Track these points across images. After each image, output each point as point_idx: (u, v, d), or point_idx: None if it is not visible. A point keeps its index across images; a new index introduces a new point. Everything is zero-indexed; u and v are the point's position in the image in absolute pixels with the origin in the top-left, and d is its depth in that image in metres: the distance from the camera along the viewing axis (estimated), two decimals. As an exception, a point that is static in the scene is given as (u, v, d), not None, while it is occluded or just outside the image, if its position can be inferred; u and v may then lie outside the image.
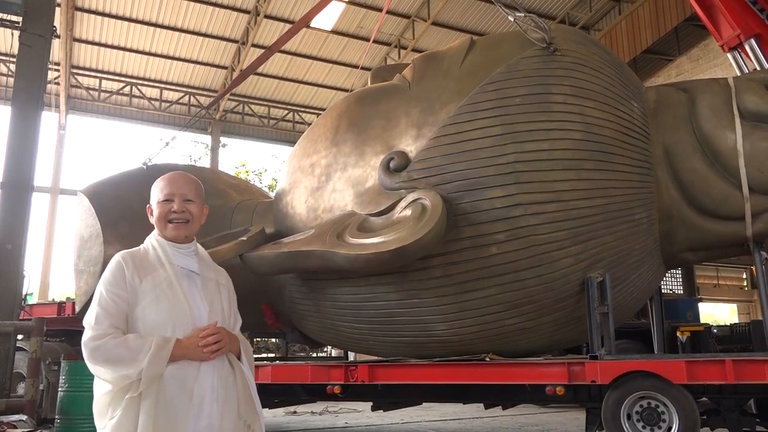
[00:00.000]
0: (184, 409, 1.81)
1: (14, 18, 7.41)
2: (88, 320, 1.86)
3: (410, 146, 4.76)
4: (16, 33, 7.30)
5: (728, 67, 7.97)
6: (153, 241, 2.04)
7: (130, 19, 16.79)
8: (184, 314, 1.91)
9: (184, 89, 19.82)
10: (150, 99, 19.68)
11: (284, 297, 5.63)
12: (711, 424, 4.67)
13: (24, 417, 5.59)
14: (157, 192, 2.04)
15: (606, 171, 4.49)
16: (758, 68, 6.81)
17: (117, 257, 1.97)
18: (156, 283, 1.92)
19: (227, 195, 6.37)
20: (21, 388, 7.16)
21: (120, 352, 1.80)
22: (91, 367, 1.84)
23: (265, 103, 21.09)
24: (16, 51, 7.29)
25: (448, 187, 4.50)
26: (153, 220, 2.05)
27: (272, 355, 13.14)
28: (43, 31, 7.32)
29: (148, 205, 2.07)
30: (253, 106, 21.11)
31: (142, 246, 2.05)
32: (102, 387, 1.87)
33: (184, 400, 1.81)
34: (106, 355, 1.80)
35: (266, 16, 16.67)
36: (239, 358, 1.99)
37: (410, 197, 4.51)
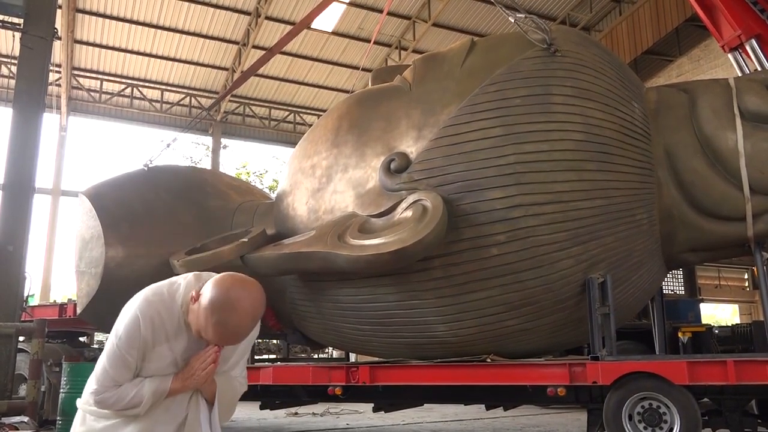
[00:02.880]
0: None
1: (15, 20, 7.42)
2: (95, 372, 1.95)
3: (411, 147, 4.76)
4: (18, 35, 7.31)
5: (729, 68, 7.97)
6: (181, 314, 1.95)
7: (131, 21, 16.81)
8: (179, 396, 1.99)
9: (185, 91, 19.83)
10: (151, 100, 19.70)
11: (285, 298, 5.63)
12: (712, 425, 4.65)
13: (25, 418, 5.60)
14: (217, 318, 1.83)
15: (607, 172, 4.49)
16: (759, 69, 6.80)
17: (137, 314, 1.90)
18: (162, 356, 1.96)
19: (228, 196, 6.38)
20: (22, 390, 7.16)
21: (121, 399, 1.91)
22: (98, 412, 1.97)
23: (266, 104, 21.10)
24: (17, 53, 7.30)
25: (448, 188, 4.50)
26: (196, 312, 1.89)
27: (273, 356, 13.15)
28: (45, 33, 7.32)
29: (195, 293, 1.90)
30: (254, 108, 21.12)
31: (168, 294, 1.96)
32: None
33: None
34: (110, 406, 1.92)
35: (267, 18, 16.69)
36: (211, 402, 2.05)
37: (411, 198, 4.51)
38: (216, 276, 1.92)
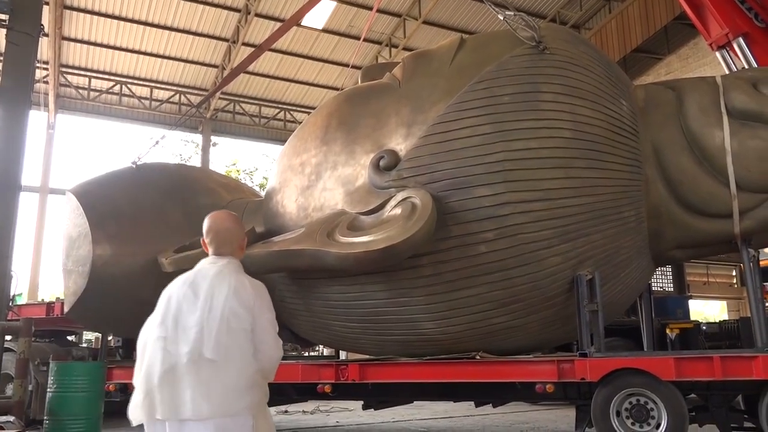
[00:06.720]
0: None
1: (1, 16, 7.35)
2: (272, 344, 2.54)
3: (400, 145, 4.76)
4: (3, 31, 7.24)
5: (717, 66, 8.02)
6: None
7: (119, 18, 16.68)
8: None
9: (175, 88, 19.71)
10: (140, 98, 19.57)
11: (274, 296, 5.58)
12: (699, 421, 4.70)
13: (12, 418, 5.54)
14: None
15: (595, 169, 4.50)
16: (746, 67, 6.86)
17: (256, 285, 2.47)
18: None
19: (218, 194, 6.35)
20: (9, 389, 7.10)
21: None
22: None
23: (256, 101, 21.02)
24: (2, 49, 7.23)
25: (437, 186, 4.50)
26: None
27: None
28: (31, 30, 7.25)
29: (245, 234, 2.60)
30: (243, 105, 21.04)
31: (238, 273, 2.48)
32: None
33: None
34: None
35: (257, 15, 16.61)
36: None
37: (400, 196, 4.51)
38: None
